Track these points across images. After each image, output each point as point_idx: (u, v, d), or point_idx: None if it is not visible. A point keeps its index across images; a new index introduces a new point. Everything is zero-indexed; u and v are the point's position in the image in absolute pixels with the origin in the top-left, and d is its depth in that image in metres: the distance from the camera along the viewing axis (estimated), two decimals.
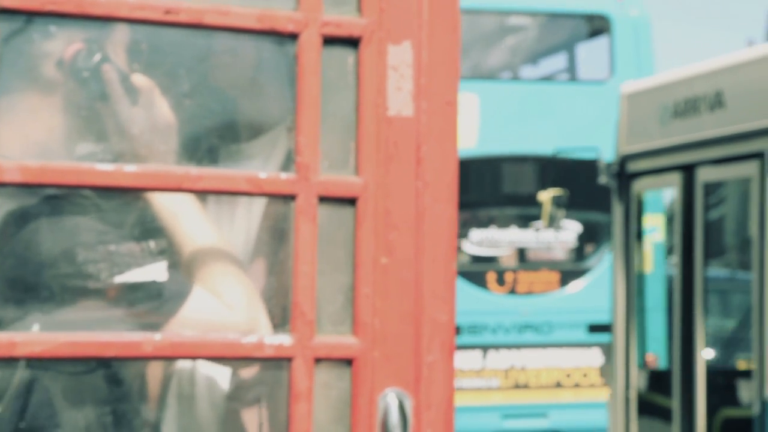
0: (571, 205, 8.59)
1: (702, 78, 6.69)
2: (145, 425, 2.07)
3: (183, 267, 2.00)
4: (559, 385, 10.02)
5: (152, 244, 2.00)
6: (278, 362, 1.95)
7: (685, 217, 6.76)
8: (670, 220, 6.91)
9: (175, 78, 2.05)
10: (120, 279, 1.93)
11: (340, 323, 1.95)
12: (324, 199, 1.93)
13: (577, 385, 10.03)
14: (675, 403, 6.69)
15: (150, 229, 2.00)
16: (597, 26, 10.60)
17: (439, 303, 2.01)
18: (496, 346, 9.95)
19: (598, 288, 9.86)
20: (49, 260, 1.91)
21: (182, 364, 2.13)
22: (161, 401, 2.11)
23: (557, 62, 11.46)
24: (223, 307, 1.96)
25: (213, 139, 2.18)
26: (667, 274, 7.51)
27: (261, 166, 2.12)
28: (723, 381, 6.62)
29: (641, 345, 7.54)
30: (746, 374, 6.22)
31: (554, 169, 10.15)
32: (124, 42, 1.98)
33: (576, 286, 10.21)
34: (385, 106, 1.98)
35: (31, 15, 1.83)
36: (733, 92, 6.33)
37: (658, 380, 6.98)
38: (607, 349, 9.09)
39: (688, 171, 6.72)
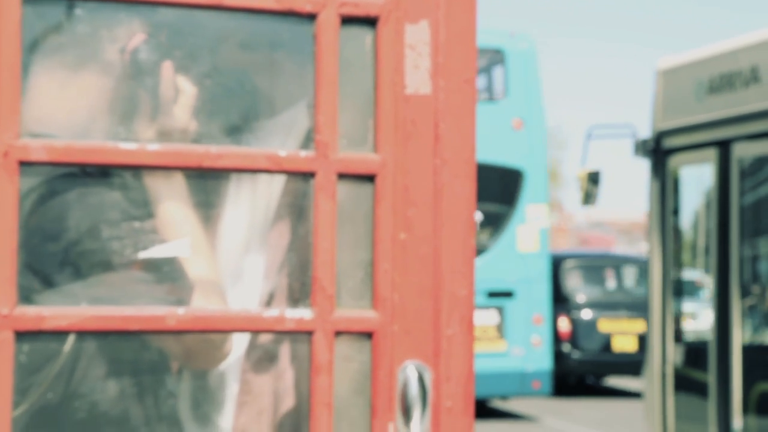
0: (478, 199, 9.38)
1: (737, 53, 6.72)
2: (170, 396, 2.12)
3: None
4: None
5: None
6: (299, 335, 2.00)
7: (721, 192, 6.84)
8: (707, 198, 7.05)
9: (196, 58, 2.10)
10: (144, 255, 1.98)
11: (359, 298, 1.99)
12: (343, 177, 1.97)
13: (479, 339, 12.73)
14: (711, 378, 6.82)
15: None
16: (494, 58, 13.51)
17: (457, 277, 2.05)
18: None
19: (494, 263, 13.07)
20: (75, 236, 1.97)
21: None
22: (183, 372, 2.16)
23: None
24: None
25: (234, 118, 2.22)
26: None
27: (281, 143, 2.17)
28: (759, 356, 6.67)
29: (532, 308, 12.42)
30: None
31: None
32: (148, 24, 2.03)
33: (478, 261, 11.43)
34: (403, 84, 2.01)
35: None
36: (765, 68, 6.38)
37: (696, 355, 7.08)
38: (502, 310, 13.28)
39: (724, 146, 6.78)
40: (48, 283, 1.94)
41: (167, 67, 2.04)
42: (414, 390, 1.98)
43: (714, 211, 6.97)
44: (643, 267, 16.34)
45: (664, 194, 7.37)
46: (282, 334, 2.08)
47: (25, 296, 1.84)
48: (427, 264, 2.02)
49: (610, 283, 16.79)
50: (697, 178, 7.40)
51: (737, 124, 6.65)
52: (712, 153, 6.96)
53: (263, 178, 2.29)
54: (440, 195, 2.03)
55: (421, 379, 1.99)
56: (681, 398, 7.14)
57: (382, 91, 2.00)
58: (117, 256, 1.97)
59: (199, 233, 2.08)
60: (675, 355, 7.27)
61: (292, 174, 2.08)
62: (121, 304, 1.91)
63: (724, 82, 6.77)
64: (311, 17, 1.95)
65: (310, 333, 1.95)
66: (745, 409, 6.55)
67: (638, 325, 15.72)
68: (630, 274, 17.02)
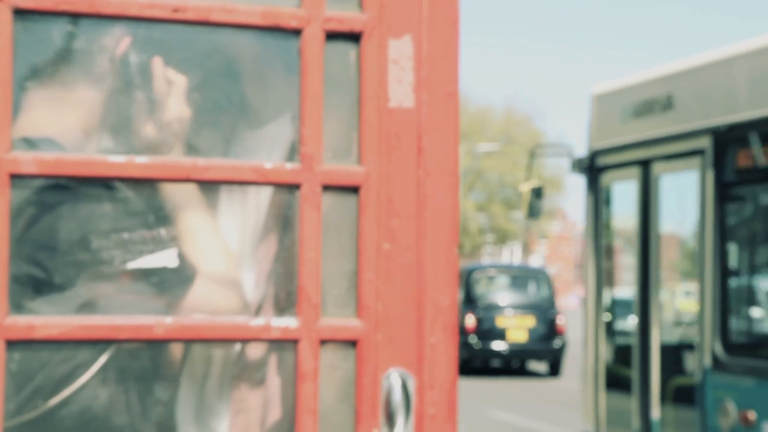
0: None
1: (656, 82, 7.66)
2: (159, 404, 2.16)
3: (188, 254, 2.10)
4: None
5: (163, 231, 2.09)
6: (285, 344, 2.04)
7: (642, 206, 7.69)
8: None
9: (184, 72, 2.14)
10: (133, 265, 2.03)
11: (344, 306, 2.03)
12: (328, 188, 2.01)
13: None
14: (634, 374, 7.63)
15: (161, 217, 2.09)
16: None
17: (441, 286, 2.09)
18: None
19: None
20: (65, 247, 2.01)
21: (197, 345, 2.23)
22: (170, 380, 2.20)
23: None
24: (221, 292, 2.06)
25: (222, 131, 2.27)
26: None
27: (268, 156, 2.21)
28: (674, 355, 7.47)
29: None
30: (691, 347, 7.14)
31: None
32: (136, 39, 2.08)
33: None
34: (387, 97, 2.06)
35: (45, 14, 1.92)
36: (680, 95, 7.30)
37: (622, 354, 7.92)
38: None
39: (645, 165, 7.66)
40: (39, 292, 1.98)
41: (157, 63, 2.09)
42: (398, 397, 2.02)
43: (637, 224, 7.73)
44: (537, 274, 23.12)
45: (597, 208, 8.25)
46: (268, 342, 2.13)
47: (16, 306, 1.88)
48: (411, 273, 2.07)
49: (509, 288, 22.46)
50: (625, 194, 8.14)
51: (655, 146, 7.49)
52: (635, 171, 7.78)
53: (252, 189, 2.33)
54: (423, 206, 2.07)
55: (404, 387, 2.03)
56: (611, 393, 7.96)
57: (366, 104, 2.04)
58: (106, 265, 2.01)
59: (214, 227, 2.14)
60: (606, 354, 8.13)
61: (278, 186, 2.13)
62: (111, 314, 1.95)
63: (645, 108, 7.64)
64: (296, 33, 2.00)
65: (295, 341, 1.99)
66: (662, 401, 7.36)
67: (528, 321, 21.63)
68: (526, 281, 22.74)
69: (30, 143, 2.00)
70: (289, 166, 2.01)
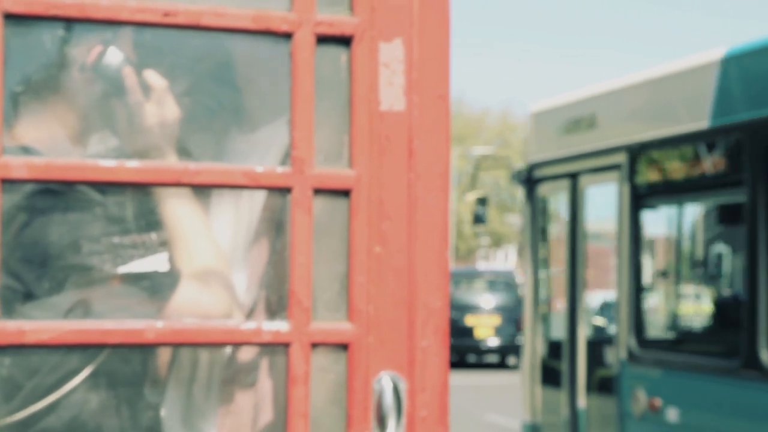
0: None
1: (582, 102, 8.61)
2: (150, 408, 2.16)
3: (176, 257, 2.10)
4: None
5: (154, 236, 2.09)
6: (276, 347, 2.04)
7: (571, 215, 8.58)
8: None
9: (175, 77, 2.15)
10: (124, 269, 2.03)
11: (335, 310, 2.04)
12: (319, 192, 2.02)
13: None
14: (564, 367, 8.55)
15: (152, 221, 2.10)
16: None
17: (432, 289, 2.09)
18: None
19: None
20: (56, 252, 2.01)
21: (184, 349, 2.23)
22: (161, 385, 2.21)
23: None
24: (208, 295, 2.06)
25: (213, 136, 2.27)
26: None
27: (260, 160, 2.21)
28: (597, 349, 8.35)
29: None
30: (611, 343, 8.01)
31: None
32: (127, 43, 2.08)
33: None
34: (378, 101, 2.06)
35: (35, 19, 1.92)
36: (602, 115, 8.24)
37: (555, 350, 8.79)
38: None
39: (573, 178, 8.55)
40: (29, 297, 1.98)
41: (128, 73, 2.08)
42: (389, 400, 2.02)
43: (567, 231, 8.63)
44: (501, 278, 25.53)
45: (534, 217, 9.13)
46: (259, 346, 2.13)
47: (7, 310, 1.89)
48: (402, 276, 2.07)
49: (477, 290, 24.85)
50: (558, 203, 9.16)
51: (582, 160, 8.39)
52: (566, 183, 8.66)
53: (244, 194, 2.33)
54: (414, 209, 2.08)
55: (396, 390, 2.03)
56: (545, 385, 8.85)
57: (357, 107, 2.04)
58: (97, 270, 2.01)
59: (205, 231, 2.15)
60: (541, 351, 9.01)
61: (269, 189, 2.13)
62: (102, 318, 1.95)
63: (574, 125, 8.55)
64: (287, 36, 2.00)
65: (286, 345, 1.99)
66: (588, 391, 8.24)
67: (494, 320, 24.00)
68: (492, 283, 25.19)
69: (22, 149, 2.01)
70: (280, 169, 2.01)
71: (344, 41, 2.04)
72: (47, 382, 2.00)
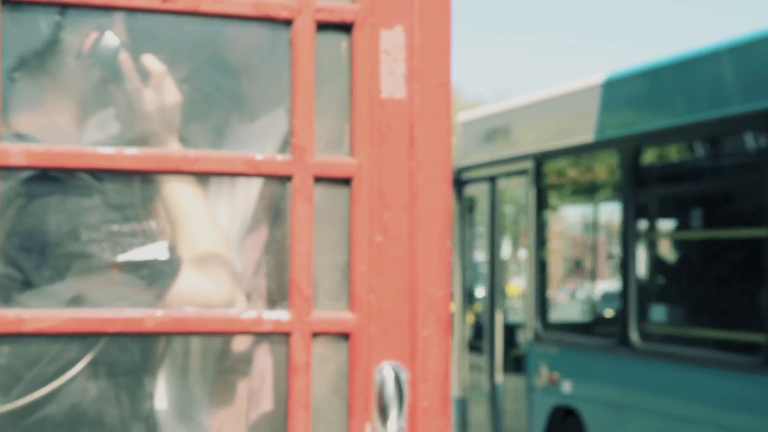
0: None
1: (498, 115, 9.95)
2: (149, 397, 2.15)
3: (177, 244, 2.08)
4: None
5: (153, 224, 2.07)
6: (277, 337, 2.02)
7: (491, 213, 9.82)
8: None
9: (173, 64, 2.12)
10: (122, 258, 2.01)
11: (336, 299, 2.02)
12: (319, 180, 2.00)
13: None
14: (485, 346, 9.86)
15: (151, 209, 2.08)
16: None
17: (433, 279, 2.08)
18: None
19: None
20: (54, 240, 1.99)
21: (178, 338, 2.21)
22: (158, 373, 2.19)
23: None
24: (208, 283, 2.04)
25: (213, 123, 2.25)
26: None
27: (260, 148, 2.19)
28: (512, 332, 9.57)
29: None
30: (522, 326, 9.36)
31: None
32: (125, 29, 2.06)
33: None
34: (378, 88, 2.04)
35: (33, 5, 1.90)
36: (514, 126, 9.50)
37: (478, 333, 10.09)
38: None
39: (492, 181, 9.84)
40: (28, 285, 1.96)
41: (125, 58, 2.06)
42: (390, 390, 2.00)
43: (488, 228, 9.89)
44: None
45: (462, 214, 10.33)
46: (260, 335, 2.11)
47: (5, 298, 1.87)
48: (403, 266, 2.05)
49: None
50: (480, 203, 10.22)
51: (499, 165, 9.66)
52: (486, 185, 9.91)
53: (241, 181, 2.31)
54: (416, 197, 2.06)
55: (397, 380, 2.02)
56: (471, 363, 10.15)
57: (357, 95, 2.03)
58: (96, 258, 1.99)
59: (205, 218, 2.13)
60: (467, 333, 10.23)
61: (269, 177, 2.11)
62: (101, 306, 1.94)
63: (492, 134, 9.82)
64: (287, 23, 1.98)
65: (287, 334, 1.98)
66: (504, 368, 9.59)
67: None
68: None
69: (18, 136, 1.98)
70: (280, 157, 1.99)
71: (345, 28, 2.02)
72: (46, 371, 1.98)
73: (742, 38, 6.97)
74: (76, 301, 1.96)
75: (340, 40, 2.02)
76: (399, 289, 2.05)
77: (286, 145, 2.02)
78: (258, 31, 2.15)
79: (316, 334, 1.99)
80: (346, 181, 2.02)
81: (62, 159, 1.89)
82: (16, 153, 1.85)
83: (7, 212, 1.91)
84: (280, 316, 1.97)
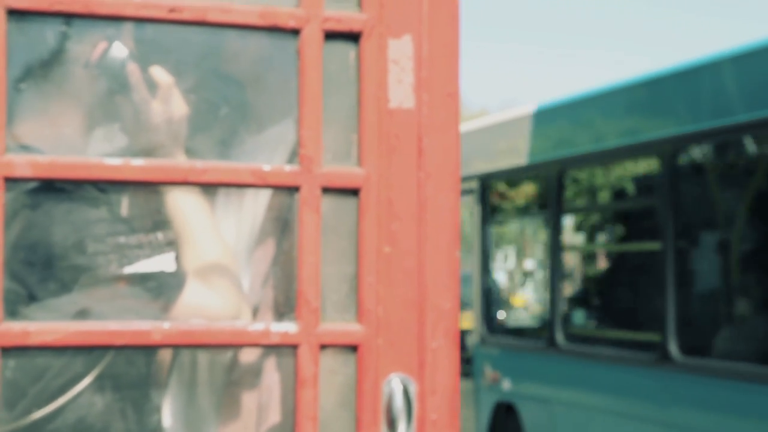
0: None
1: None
2: (156, 410, 2.13)
3: (182, 256, 2.07)
4: None
5: (160, 235, 2.06)
6: (284, 349, 2.01)
7: None
8: None
9: (180, 74, 2.11)
10: (129, 270, 1.99)
11: (344, 311, 2.00)
12: (327, 190, 1.98)
13: None
14: None
15: (158, 221, 2.06)
16: None
17: (442, 291, 2.06)
18: None
19: None
20: (60, 252, 1.98)
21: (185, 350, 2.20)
22: (165, 386, 2.17)
23: None
24: (213, 295, 2.03)
25: (220, 134, 2.24)
26: None
27: (268, 158, 2.18)
28: (462, 336, 9.98)
29: None
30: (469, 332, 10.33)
31: None
32: (131, 40, 2.05)
33: None
34: (387, 98, 2.03)
35: (40, 15, 1.89)
36: (464, 148, 9.67)
37: None
38: None
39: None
40: (34, 298, 1.94)
41: (133, 69, 2.05)
42: (399, 403, 1.99)
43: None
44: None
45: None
46: (267, 347, 2.09)
47: (11, 311, 1.85)
48: (412, 277, 2.04)
49: None
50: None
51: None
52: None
53: (249, 192, 2.30)
54: (424, 208, 2.05)
55: (406, 392, 2.00)
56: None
57: (365, 105, 2.01)
58: (103, 270, 1.98)
59: (211, 230, 2.11)
60: None
61: (277, 188, 2.10)
62: (107, 319, 1.92)
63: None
64: (295, 33, 1.97)
65: (295, 346, 1.96)
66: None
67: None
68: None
69: (24, 147, 1.97)
70: (288, 168, 1.98)
71: (352, 38, 2.01)
72: (52, 385, 1.96)
73: (644, 76, 8.02)
74: (83, 313, 1.95)
75: (348, 50, 2.01)
76: (407, 301, 2.03)
77: (293, 156, 2.01)
78: (265, 40, 2.14)
79: (323, 346, 1.97)
80: (354, 192, 2.00)
81: (68, 170, 1.88)
82: (21, 164, 1.84)
83: (13, 224, 1.90)
84: (288, 328, 1.96)
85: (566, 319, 8.90)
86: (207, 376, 2.22)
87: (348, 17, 2.00)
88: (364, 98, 2.01)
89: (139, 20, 1.96)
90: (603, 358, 8.17)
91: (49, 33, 2.03)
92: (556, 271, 8.88)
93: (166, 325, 1.91)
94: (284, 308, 2.04)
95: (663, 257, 7.40)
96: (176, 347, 2.12)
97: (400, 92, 2.03)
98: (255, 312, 2.17)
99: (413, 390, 2.01)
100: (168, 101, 2.08)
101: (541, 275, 10.31)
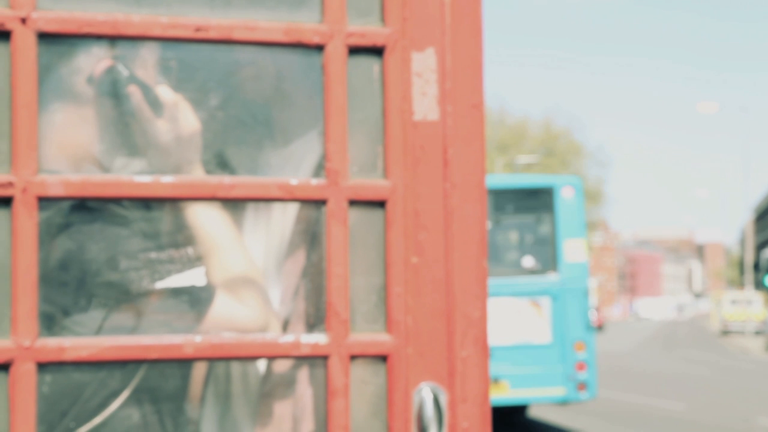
0: None
1: None
2: (190, 423, 2.16)
3: (210, 270, 2.10)
4: None
5: (190, 250, 2.09)
6: (315, 360, 2.04)
7: None
8: None
9: (207, 91, 2.15)
10: (161, 285, 2.03)
11: (373, 321, 2.03)
12: (354, 203, 2.01)
13: None
14: None
15: (188, 236, 2.10)
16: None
17: (471, 299, 2.08)
18: None
19: None
20: (93, 268, 2.02)
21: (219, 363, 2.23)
22: (202, 399, 2.21)
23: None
24: (242, 308, 2.06)
25: (247, 149, 2.27)
26: None
27: (294, 172, 2.21)
28: None
29: None
30: None
31: None
32: (154, 59, 2.08)
33: None
34: (411, 111, 2.05)
35: (69, 38, 1.93)
36: None
37: None
38: None
39: None
40: (68, 314, 1.98)
41: (134, 91, 2.06)
42: (430, 411, 2.01)
43: None
44: None
45: None
46: (298, 358, 2.12)
47: (47, 328, 1.89)
48: (440, 287, 2.06)
49: None
50: None
51: None
52: None
53: (278, 206, 2.33)
54: (451, 218, 2.07)
55: (436, 401, 2.02)
56: None
57: (390, 118, 2.04)
58: (135, 286, 2.01)
59: (240, 244, 2.14)
60: None
61: (304, 202, 2.13)
62: (140, 333, 1.96)
63: None
64: (319, 48, 2.00)
65: (325, 357, 1.99)
66: None
67: None
68: None
69: (48, 173, 2.00)
70: (315, 181, 2.01)
71: (376, 52, 2.04)
72: (89, 400, 2.00)
73: None
74: (116, 328, 1.99)
75: (371, 64, 2.04)
76: (436, 310, 2.05)
77: (320, 169, 2.04)
78: (290, 57, 2.17)
79: (353, 357, 2.00)
80: (380, 204, 2.03)
81: (100, 188, 1.92)
82: (54, 184, 1.88)
83: (47, 242, 1.94)
84: (318, 339, 1.99)
85: None
86: (241, 387, 2.24)
87: (371, 32, 2.03)
88: (388, 111, 2.04)
89: (167, 40, 1.99)
90: None
91: (76, 54, 2.05)
92: None
93: (197, 338, 1.95)
94: (314, 320, 2.07)
95: None
96: (209, 360, 2.15)
97: (425, 104, 2.06)
98: (286, 324, 2.20)
99: (444, 399, 2.03)
100: (175, 119, 2.09)
101: None
